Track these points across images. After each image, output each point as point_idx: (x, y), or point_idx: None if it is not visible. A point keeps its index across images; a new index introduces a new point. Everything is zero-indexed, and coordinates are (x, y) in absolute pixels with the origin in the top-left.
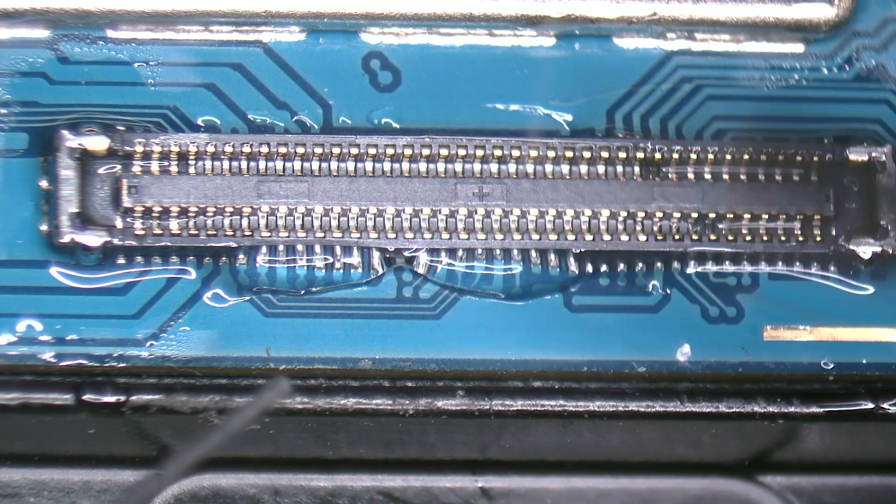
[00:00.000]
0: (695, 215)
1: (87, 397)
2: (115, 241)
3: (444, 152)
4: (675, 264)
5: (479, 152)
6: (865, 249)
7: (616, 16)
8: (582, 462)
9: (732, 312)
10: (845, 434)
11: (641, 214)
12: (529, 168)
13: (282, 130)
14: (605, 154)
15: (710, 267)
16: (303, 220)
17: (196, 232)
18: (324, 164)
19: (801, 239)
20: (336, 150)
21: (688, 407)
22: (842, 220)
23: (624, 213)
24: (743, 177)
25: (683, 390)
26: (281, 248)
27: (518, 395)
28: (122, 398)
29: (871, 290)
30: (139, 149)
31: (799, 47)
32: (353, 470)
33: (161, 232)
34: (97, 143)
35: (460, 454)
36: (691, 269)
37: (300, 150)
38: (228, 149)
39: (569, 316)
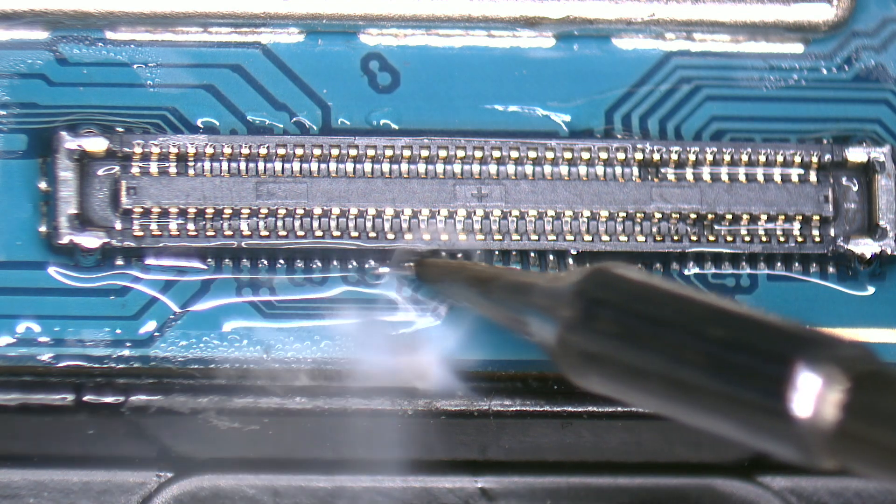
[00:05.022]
0: (693, 216)
1: (86, 398)
2: (114, 242)
3: (442, 153)
4: (674, 265)
5: (478, 153)
6: (864, 250)
7: (615, 16)
8: (581, 462)
9: None
10: None
11: (640, 215)
12: (528, 169)
13: (281, 132)
14: (603, 155)
15: (709, 268)
16: (301, 221)
17: (195, 233)
18: (322, 166)
19: (799, 240)
20: (335, 152)
21: None
22: (841, 220)
23: (622, 214)
24: (742, 177)
25: None
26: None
27: (517, 396)
28: (121, 399)
29: (870, 290)
30: (138, 150)
31: (798, 47)
32: (352, 470)
33: (160, 233)
34: (96, 144)
35: (460, 455)
36: (690, 270)
37: (299, 151)
38: (227, 150)
39: None
